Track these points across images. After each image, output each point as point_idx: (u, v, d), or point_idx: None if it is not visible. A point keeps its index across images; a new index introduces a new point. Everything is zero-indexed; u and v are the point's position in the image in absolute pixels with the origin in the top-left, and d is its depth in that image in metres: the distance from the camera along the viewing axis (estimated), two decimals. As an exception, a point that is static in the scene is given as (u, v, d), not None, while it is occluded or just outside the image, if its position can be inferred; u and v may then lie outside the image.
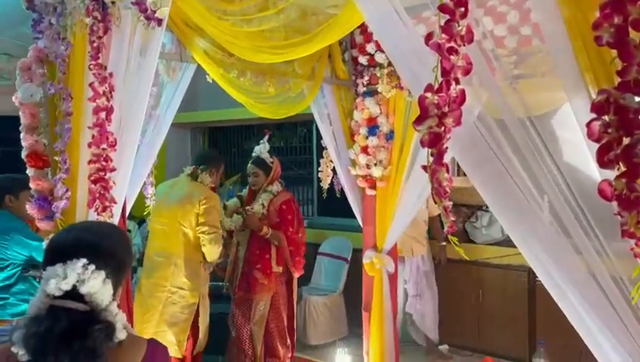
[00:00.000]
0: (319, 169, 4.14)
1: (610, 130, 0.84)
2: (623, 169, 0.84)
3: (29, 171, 2.09)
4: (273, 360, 3.55)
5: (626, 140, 0.83)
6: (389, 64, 3.65)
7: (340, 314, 4.99)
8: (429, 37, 0.98)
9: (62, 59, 1.96)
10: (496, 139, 1.19)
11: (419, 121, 1.00)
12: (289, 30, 2.84)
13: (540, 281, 4.15)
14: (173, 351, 3.15)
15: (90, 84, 1.83)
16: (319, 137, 3.99)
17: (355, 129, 3.87)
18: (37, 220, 2.11)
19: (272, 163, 3.65)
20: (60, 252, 1.19)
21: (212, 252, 3.17)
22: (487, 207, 4.82)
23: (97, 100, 1.82)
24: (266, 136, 3.73)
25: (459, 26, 0.98)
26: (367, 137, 3.79)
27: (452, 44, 0.98)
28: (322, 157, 4.13)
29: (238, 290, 3.57)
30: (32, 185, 2.09)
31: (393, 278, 3.93)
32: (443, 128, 1.00)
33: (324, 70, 3.66)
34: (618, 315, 1.14)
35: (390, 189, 3.81)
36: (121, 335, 1.19)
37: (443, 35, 0.97)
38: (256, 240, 3.53)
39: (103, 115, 1.84)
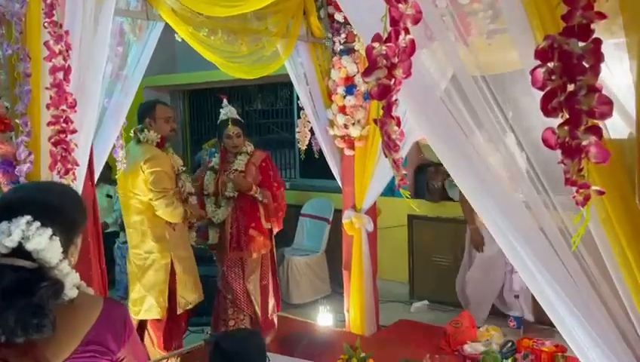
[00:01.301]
0: (297, 130, 4.11)
1: (554, 77, 0.82)
2: (566, 116, 0.83)
3: (-9, 135, 2.05)
4: (269, 315, 3.66)
5: (569, 87, 0.82)
6: (366, 21, 3.59)
7: (322, 274, 5.06)
8: (376, -16, 0.95)
9: (18, 18, 1.89)
10: (451, 97, 1.17)
11: (367, 72, 0.97)
12: None
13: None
14: (155, 313, 3.18)
15: (45, 43, 1.77)
16: (299, 99, 3.94)
17: (332, 88, 3.82)
18: (2, 185, 2.08)
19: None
20: (7, 210, 1.17)
21: (168, 214, 3.11)
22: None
23: (54, 59, 1.77)
24: (224, 101, 3.63)
25: (407, -28, 0.95)
26: (344, 97, 3.75)
27: (400, -9, 0.95)
28: (300, 118, 4.09)
29: (230, 252, 3.56)
30: (-6, 149, 2.05)
31: (372, 237, 3.97)
32: (393, 80, 0.98)
33: (299, 28, 3.59)
34: (565, 266, 1.16)
35: (369, 149, 3.80)
36: (71, 293, 1.17)
37: (390, -18, 0.94)
38: (245, 201, 3.53)
39: (60, 74, 1.79)
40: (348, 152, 3.89)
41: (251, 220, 3.52)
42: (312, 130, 4.03)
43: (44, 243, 1.14)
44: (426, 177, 4.73)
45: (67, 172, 1.84)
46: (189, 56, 4.56)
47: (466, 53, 1.37)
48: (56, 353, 1.15)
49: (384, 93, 0.97)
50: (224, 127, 3.55)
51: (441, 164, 4.75)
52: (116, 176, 3.15)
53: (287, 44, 3.50)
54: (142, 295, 3.16)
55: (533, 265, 1.20)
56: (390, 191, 4.84)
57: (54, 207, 1.22)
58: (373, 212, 3.96)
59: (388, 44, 0.96)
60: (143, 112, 3.14)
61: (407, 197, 1.06)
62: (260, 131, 6.71)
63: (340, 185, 4.04)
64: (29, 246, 1.12)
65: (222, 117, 3.60)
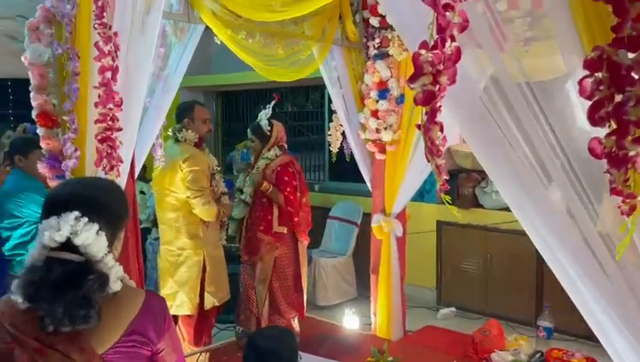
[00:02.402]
0: (329, 133, 4.14)
1: (602, 88, 0.83)
2: (613, 126, 0.84)
3: (40, 131, 2.13)
4: (278, 318, 3.63)
5: (617, 98, 0.82)
6: (401, 26, 3.60)
7: (349, 277, 5.07)
8: (424, -8, 0.97)
9: (68, 19, 1.97)
10: (495, 104, 1.18)
11: (413, 78, 0.99)
12: None
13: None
14: (187, 309, 3.25)
15: (95, 44, 1.84)
16: (331, 103, 3.96)
17: (365, 92, 3.84)
18: (48, 179, 2.16)
19: (269, 130, 3.60)
20: (56, 205, 1.22)
21: (204, 213, 3.18)
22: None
23: (102, 60, 1.84)
24: (273, 101, 3.67)
25: (455, -19, 0.97)
26: (377, 101, 3.76)
27: (448, 0, 0.97)
28: (332, 121, 4.12)
29: (243, 254, 3.65)
30: (42, 144, 2.13)
31: (401, 241, 3.97)
32: (437, 86, 1.00)
33: (335, 32, 3.62)
34: (607, 277, 1.15)
35: (400, 154, 3.80)
36: (115, 286, 1.22)
37: (439, -10, 0.96)
38: (259, 203, 3.57)
39: (108, 74, 1.86)
40: (379, 156, 3.90)
41: (261, 222, 3.55)
42: (343, 134, 4.06)
43: (91, 238, 1.19)
44: (457, 183, 4.70)
45: (112, 168, 1.90)
46: (223, 58, 4.64)
47: (506, 59, 1.37)
48: (101, 342, 1.21)
49: (429, 99, 0.99)
50: None
51: (473, 171, 4.73)
52: (153, 174, 3.23)
53: (322, 47, 3.54)
54: (174, 291, 3.23)
55: (576, 275, 1.20)
56: (420, 196, 4.83)
57: (101, 202, 1.28)
58: (402, 217, 3.96)
59: (434, 52, 0.98)
60: (182, 112, 3.22)
61: (448, 203, 1.07)
62: (291, 133, 6.77)
63: (370, 188, 4.05)
64: (77, 240, 1.18)
65: (259, 116, 3.66)
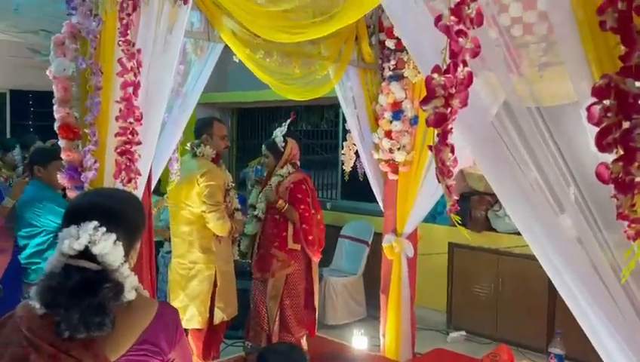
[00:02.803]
0: (342, 152, 4.18)
1: (609, 114, 0.85)
2: (620, 153, 0.85)
3: (61, 142, 2.19)
4: (288, 336, 3.62)
5: (625, 124, 0.84)
6: (417, 49, 3.64)
7: (359, 296, 5.06)
8: (438, 19, 1.00)
9: (93, 35, 2.04)
10: (506, 128, 1.20)
11: (425, 101, 1.02)
12: (310, 11, 2.85)
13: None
14: (196, 322, 3.27)
15: (119, 60, 1.90)
16: (345, 122, 4.01)
17: (379, 113, 3.87)
18: (67, 189, 2.22)
19: (283, 146, 3.65)
20: (75, 214, 1.27)
21: (218, 227, 3.22)
22: (511, 197, 4.78)
23: (125, 75, 1.90)
24: (289, 119, 3.73)
25: (469, 8, 1.00)
26: (391, 121, 3.79)
27: (461, 26, 1.00)
28: (347, 139, 4.15)
29: (255, 270, 3.66)
30: (63, 155, 2.19)
31: (412, 262, 3.96)
32: (449, 109, 1.03)
33: (351, 53, 3.67)
34: (616, 304, 1.16)
35: (412, 174, 3.81)
36: (129, 295, 1.25)
37: (452, 18, 0.99)
38: (273, 219, 3.60)
39: (130, 89, 1.91)
40: (391, 176, 3.91)
41: (275, 239, 3.57)
42: (357, 153, 4.09)
43: (108, 247, 1.22)
44: (470, 206, 4.69)
45: (130, 180, 1.95)
46: (240, 76, 4.72)
47: (518, 83, 1.40)
48: (114, 349, 1.23)
49: (440, 121, 1.02)
50: None
51: (486, 193, 4.72)
52: (167, 188, 3.29)
53: (338, 68, 3.59)
54: (184, 304, 3.26)
55: (584, 301, 1.21)
56: (431, 217, 4.83)
57: (119, 213, 1.31)
58: (414, 237, 3.96)
59: (446, 75, 1.01)
60: (201, 128, 3.29)
61: (458, 223, 1.09)
62: (304, 151, 6.82)
63: (382, 208, 4.06)
64: (95, 249, 1.21)
65: (274, 132, 3.71)
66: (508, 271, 4.51)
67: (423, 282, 4.42)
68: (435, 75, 1.00)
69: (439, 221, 4.95)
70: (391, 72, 3.82)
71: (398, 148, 3.79)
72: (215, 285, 3.28)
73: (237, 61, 2.96)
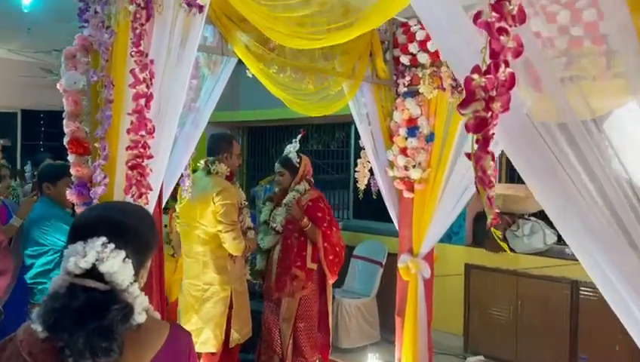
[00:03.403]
0: (356, 169, 4.09)
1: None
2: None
3: (70, 157, 2.13)
4: (300, 360, 3.51)
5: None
6: (432, 64, 3.57)
7: (372, 319, 4.92)
8: (477, 16, 0.92)
9: (105, 47, 1.99)
10: (554, 137, 1.12)
11: (464, 104, 0.94)
12: (328, 17, 2.79)
13: (584, 295, 3.97)
14: (211, 346, 3.16)
15: (131, 71, 1.84)
16: (357, 140, 3.95)
17: (394, 130, 3.79)
18: (76, 206, 2.14)
19: (298, 163, 3.60)
20: (82, 230, 1.18)
21: (234, 247, 3.14)
22: (529, 216, 4.66)
23: (137, 87, 1.83)
24: (300, 135, 3.68)
25: (510, 4, 0.92)
26: (406, 138, 3.71)
27: (502, 23, 0.92)
28: (360, 157, 4.07)
29: (274, 291, 3.55)
30: (72, 171, 2.12)
31: (429, 284, 3.83)
32: (490, 113, 0.94)
33: (365, 69, 3.61)
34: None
35: (429, 192, 3.71)
36: (139, 318, 1.16)
37: (493, 14, 0.91)
38: (292, 238, 3.50)
39: (142, 101, 1.85)
40: (407, 195, 3.81)
41: (297, 258, 3.48)
42: (371, 171, 4.00)
43: (117, 265, 1.14)
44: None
45: (140, 196, 1.87)
46: (250, 94, 4.68)
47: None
48: None
49: (481, 126, 0.93)
50: None
51: (504, 213, 4.59)
52: (177, 205, 3.21)
53: (352, 84, 3.53)
54: (198, 327, 3.15)
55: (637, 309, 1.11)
56: (447, 237, 4.71)
57: (129, 228, 1.23)
58: (430, 258, 3.84)
59: (487, 77, 0.92)
60: (219, 146, 3.25)
61: (499, 238, 0.99)
62: (315, 171, 6.75)
63: (397, 227, 3.95)
64: (103, 268, 1.12)
65: (285, 150, 3.65)
66: (527, 293, 4.37)
67: (438, 304, 4.28)
68: (475, 76, 0.92)
69: (455, 241, 4.83)
70: (406, 88, 3.75)
71: (414, 166, 3.70)
72: (230, 306, 3.18)
73: (250, 76, 2.91)
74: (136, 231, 1.24)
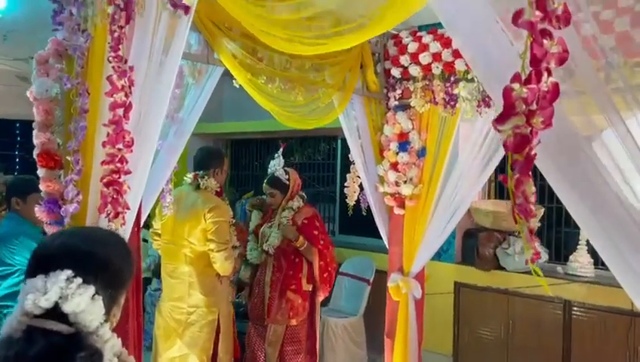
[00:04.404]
0: (345, 184, 3.95)
1: None
2: None
3: (40, 172, 1.94)
4: None
5: None
6: (424, 77, 3.47)
7: (359, 339, 4.75)
8: (517, 15, 0.79)
9: (80, 52, 1.82)
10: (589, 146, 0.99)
11: (502, 118, 0.80)
12: (332, 19, 2.64)
13: (576, 315, 3.84)
14: (197, 373, 2.96)
15: (108, 77, 1.67)
16: (343, 153, 3.82)
17: (384, 144, 3.67)
18: (45, 224, 1.95)
19: (287, 179, 3.45)
20: (44, 261, 1.01)
21: (224, 268, 2.98)
22: (519, 234, 4.56)
23: (115, 95, 1.67)
24: (281, 149, 3.53)
25: (554, 3, 0.79)
26: (397, 153, 3.59)
27: (546, 25, 0.79)
28: (348, 172, 3.94)
29: (268, 318, 3.36)
30: (42, 186, 1.93)
31: (419, 304, 3.69)
32: (530, 129, 0.80)
33: (356, 81, 3.49)
34: None
35: (420, 209, 3.59)
36: None
37: (537, 13, 0.77)
38: (287, 260, 3.34)
39: (120, 111, 1.68)
40: (397, 211, 3.68)
41: (291, 281, 3.31)
42: (360, 186, 3.86)
43: (84, 304, 0.97)
44: (477, 243, 4.45)
45: (117, 215, 1.69)
46: (235, 105, 4.52)
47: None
48: None
49: (522, 144, 0.79)
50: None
51: (494, 230, 4.49)
52: (153, 221, 3.03)
53: (342, 96, 3.40)
54: (183, 353, 2.94)
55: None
56: (436, 254, 4.57)
57: (100, 259, 1.05)
58: (421, 277, 3.70)
59: (529, 86, 0.78)
60: (210, 161, 3.11)
61: (539, 275, 0.85)
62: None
63: (387, 244, 3.81)
64: (67, 307, 0.95)
65: (270, 167, 3.49)
66: (518, 313, 4.26)
67: (427, 323, 4.12)
68: (516, 86, 0.78)
69: (444, 259, 4.71)
70: (397, 102, 3.64)
71: (405, 181, 3.58)
72: (218, 330, 2.98)
73: (237, 86, 2.76)
74: (108, 261, 1.07)
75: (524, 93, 0.78)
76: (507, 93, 0.79)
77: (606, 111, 1.02)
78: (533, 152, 0.80)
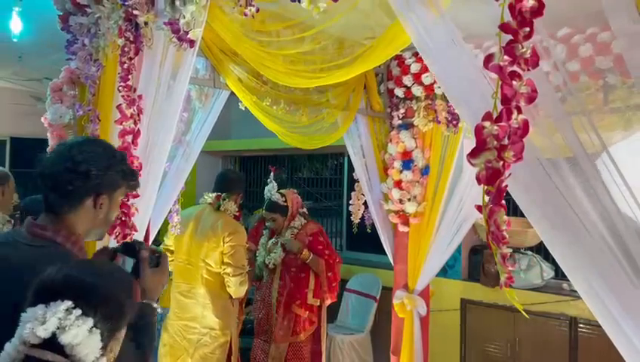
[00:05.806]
0: (350, 202, 4.01)
1: None
2: None
3: (53, 195, 2.02)
4: None
5: None
6: (427, 97, 3.54)
7: (367, 356, 4.76)
8: (488, 59, 0.86)
9: (92, 81, 1.92)
10: (561, 175, 1.05)
11: (475, 153, 0.86)
12: (331, 53, 2.74)
13: (582, 332, 3.83)
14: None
15: (118, 106, 1.76)
16: (350, 169, 3.88)
17: (388, 162, 3.74)
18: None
19: (285, 201, 3.52)
20: (47, 290, 1.02)
21: (238, 292, 3.02)
22: (525, 249, 4.58)
23: (124, 123, 1.76)
24: (272, 174, 3.61)
25: (522, 47, 0.86)
26: (401, 171, 3.65)
27: (515, 67, 0.85)
28: (353, 189, 4.00)
29: (275, 338, 3.40)
30: (55, 209, 2.02)
31: (425, 321, 3.72)
32: (501, 163, 0.87)
33: (359, 101, 3.57)
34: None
35: (424, 227, 3.64)
36: None
37: (505, 57, 0.84)
38: (291, 276, 3.40)
39: (129, 138, 1.77)
40: (402, 228, 3.73)
41: (296, 295, 3.35)
42: (365, 203, 3.92)
43: (81, 336, 0.97)
44: (482, 260, 4.48)
45: (125, 237, 1.77)
46: (242, 123, 4.62)
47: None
48: None
49: (494, 177, 0.86)
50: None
51: (500, 247, 4.51)
52: (165, 237, 3.10)
53: (346, 116, 3.48)
54: None
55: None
56: (442, 272, 4.60)
57: (102, 293, 1.06)
58: (426, 294, 3.73)
59: (500, 124, 0.85)
60: (233, 184, 3.21)
61: (514, 299, 0.91)
62: (306, 199, 6.66)
63: (392, 262, 3.86)
64: (64, 338, 0.96)
65: (265, 193, 3.58)
66: (525, 330, 4.26)
67: (433, 340, 4.14)
68: (487, 124, 0.85)
69: (450, 275, 4.73)
70: (400, 121, 3.71)
71: (409, 199, 3.63)
72: (230, 352, 3.03)
73: (243, 109, 2.85)
74: (109, 295, 1.08)
75: (495, 130, 0.85)
76: (479, 130, 0.86)
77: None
78: (504, 184, 0.86)
